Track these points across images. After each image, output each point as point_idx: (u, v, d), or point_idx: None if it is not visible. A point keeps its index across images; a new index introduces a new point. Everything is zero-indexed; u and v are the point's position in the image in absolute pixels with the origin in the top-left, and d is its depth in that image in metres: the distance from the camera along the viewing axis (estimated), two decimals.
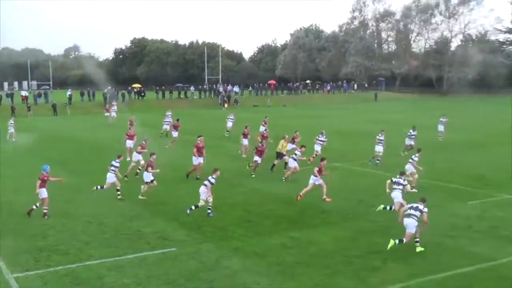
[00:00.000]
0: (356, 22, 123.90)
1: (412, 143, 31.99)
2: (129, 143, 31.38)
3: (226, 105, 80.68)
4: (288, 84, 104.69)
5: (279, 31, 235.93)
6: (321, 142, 30.58)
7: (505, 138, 38.80)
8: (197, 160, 25.69)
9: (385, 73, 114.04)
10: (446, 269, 14.00)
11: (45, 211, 19.09)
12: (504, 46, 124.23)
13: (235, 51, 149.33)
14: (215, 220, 18.63)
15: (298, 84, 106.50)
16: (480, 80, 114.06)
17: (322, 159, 22.03)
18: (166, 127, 42.84)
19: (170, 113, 45.73)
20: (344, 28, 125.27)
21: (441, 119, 40.29)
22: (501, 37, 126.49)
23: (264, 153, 26.62)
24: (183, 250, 15.62)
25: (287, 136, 28.28)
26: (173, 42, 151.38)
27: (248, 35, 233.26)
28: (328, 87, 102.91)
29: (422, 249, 15.33)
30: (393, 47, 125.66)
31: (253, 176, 26.05)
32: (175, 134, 38.21)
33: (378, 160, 28.92)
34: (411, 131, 32.64)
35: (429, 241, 16.14)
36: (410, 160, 23.46)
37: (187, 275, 13.75)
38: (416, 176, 22.96)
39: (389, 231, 17.16)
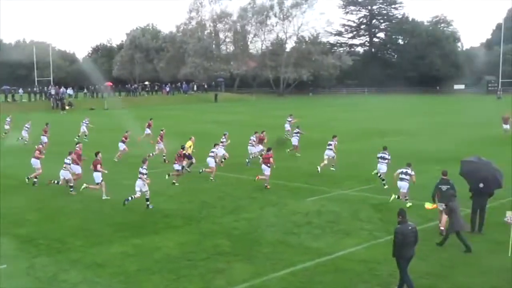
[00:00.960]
0: (193, 23, 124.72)
1: (296, 142, 33.80)
2: None
3: (67, 108, 77.61)
4: (126, 86, 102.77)
5: (114, 30, 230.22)
6: (223, 146, 30.78)
7: (341, 137, 41.25)
8: (78, 169, 24.75)
9: (224, 74, 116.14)
10: (288, 266, 14.56)
11: None
12: (335, 48, 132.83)
13: (68, 51, 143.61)
14: (50, 232, 17.74)
15: (136, 85, 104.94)
16: (314, 80, 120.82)
17: (269, 149, 25.00)
18: (25, 133, 40.91)
19: (10, 119, 44.79)
20: (182, 28, 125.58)
21: (288, 119, 42.21)
22: (332, 39, 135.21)
23: (183, 159, 25.79)
24: (15, 266, 14.66)
25: (193, 138, 29.06)
26: None
27: (81, 34, 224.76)
28: (167, 88, 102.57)
29: (410, 204, 19.58)
30: (231, 48, 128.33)
31: (177, 184, 24.87)
32: (45, 139, 36.41)
33: (248, 160, 30.10)
34: (297, 129, 34.52)
35: (272, 239, 16.73)
36: (329, 147, 27.76)
37: None
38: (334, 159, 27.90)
39: (232, 232, 17.52)
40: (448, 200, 16.09)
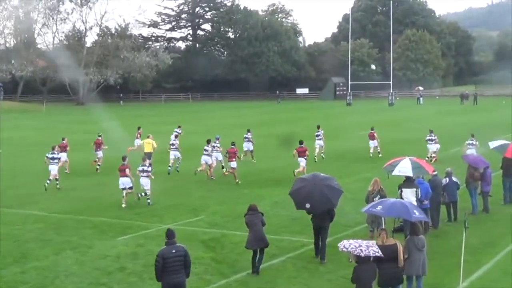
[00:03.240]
0: None
1: (251, 147, 39.27)
2: None
3: None
4: None
5: None
6: (219, 150, 33.92)
7: (159, 157, 41.40)
8: None
9: (3, 76, 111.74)
10: None
11: None
12: (150, 42, 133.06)
13: None
14: None
15: None
16: (124, 84, 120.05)
17: (301, 142, 32.21)
18: None
19: None
20: None
21: (177, 130, 41.96)
22: (145, 31, 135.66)
23: (236, 155, 31.74)
24: None
25: (151, 135, 34.81)
26: None
27: None
28: None
29: None
30: (11, 42, 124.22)
31: (239, 182, 30.91)
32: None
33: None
34: (248, 134, 39.58)
35: None
36: (318, 138, 38.06)
37: None
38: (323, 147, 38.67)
39: (18, 286, 16.87)
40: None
